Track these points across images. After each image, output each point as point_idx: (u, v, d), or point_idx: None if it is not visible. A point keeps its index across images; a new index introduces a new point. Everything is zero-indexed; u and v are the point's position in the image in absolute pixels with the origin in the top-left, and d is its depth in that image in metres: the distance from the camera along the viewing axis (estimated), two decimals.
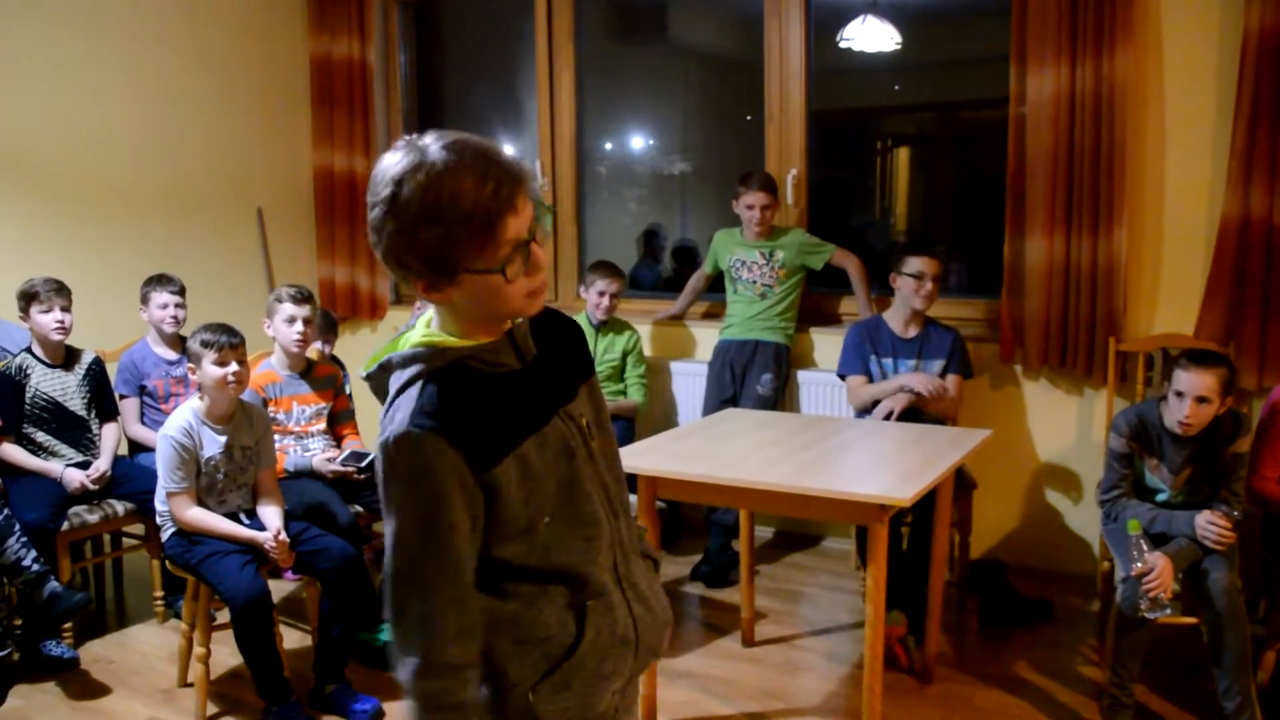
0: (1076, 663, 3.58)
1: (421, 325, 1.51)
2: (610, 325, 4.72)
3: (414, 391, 1.42)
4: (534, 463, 1.46)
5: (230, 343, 3.34)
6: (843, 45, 5.11)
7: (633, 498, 2.44)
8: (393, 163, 1.36)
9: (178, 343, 4.21)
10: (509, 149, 6.17)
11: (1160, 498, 3.26)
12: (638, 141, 6.20)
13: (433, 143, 1.36)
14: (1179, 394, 3.09)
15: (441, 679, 1.42)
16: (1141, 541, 3.00)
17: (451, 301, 1.43)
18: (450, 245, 1.34)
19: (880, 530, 2.82)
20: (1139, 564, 2.97)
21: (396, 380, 1.47)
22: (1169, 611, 2.95)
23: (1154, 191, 4.03)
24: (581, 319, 4.69)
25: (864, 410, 4.07)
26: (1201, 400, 3.05)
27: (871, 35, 5.14)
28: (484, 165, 1.35)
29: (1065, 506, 4.33)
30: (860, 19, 5.09)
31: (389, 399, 1.46)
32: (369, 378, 1.52)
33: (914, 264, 4.01)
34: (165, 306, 4.17)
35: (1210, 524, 3.05)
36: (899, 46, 5.12)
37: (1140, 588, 2.95)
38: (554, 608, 1.51)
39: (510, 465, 1.43)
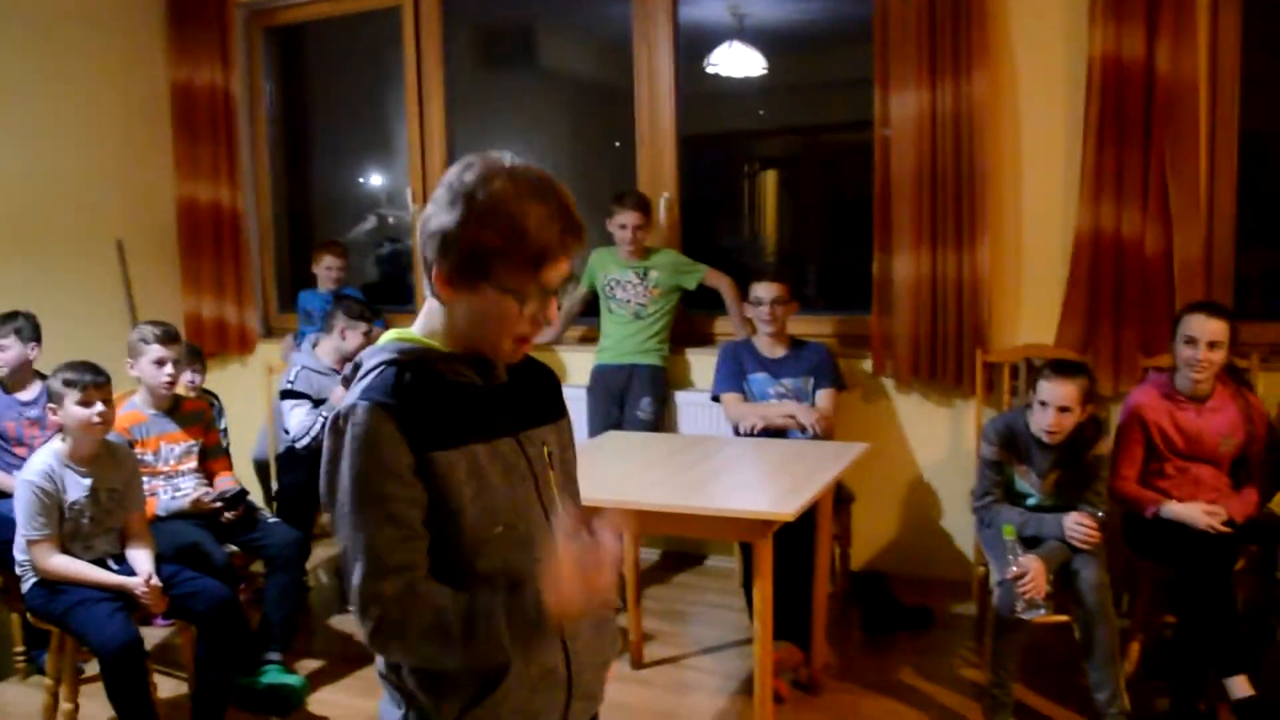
0: (957, 665, 3.68)
1: (398, 330, 1.55)
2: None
3: (374, 374, 1.47)
4: (484, 466, 1.47)
5: (95, 381, 3.21)
6: (709, 70, 5.22)
7: None
8: (489, 163, 1.44)
9: (28, 381, 4.02)
10: (377, 179, 6.12)
11: (1030, 502, 3.38)
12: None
13: (528, 167, 1.46)
14: (1043, 404, 3.23)
15: (383, 599, 1.40)
16: (1016, 546, 3.11)
17: (454, 308, 1.47)
18: (495, 254, 1.41)
19: (765, 546, 2.86)
20: (1014, 568, 3.07)
21: (364, 369, 1.51)
22: (1043, 611, 3.06)
23: (1013, 208, 4.20)
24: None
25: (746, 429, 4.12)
26: (1064, 409, 3.20)
27: (738, 61, 5.25)
28: (559, 209, 1.44)
29: (940, 515, 4.46)
30: (727, 44, 5.21)
31: (359, 369, 1.52)
32: (344, 380, 1.56)
33: (755, 290, 4.14)
34: (7, 349, 3.97)
35: (1078, 525, 3.18)
36: (765, 72, 5.25)
37: (1015, 590, 3.05)
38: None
39: (457, 458, 1.44)
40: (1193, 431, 3.37)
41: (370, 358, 1.52)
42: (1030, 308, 4.20)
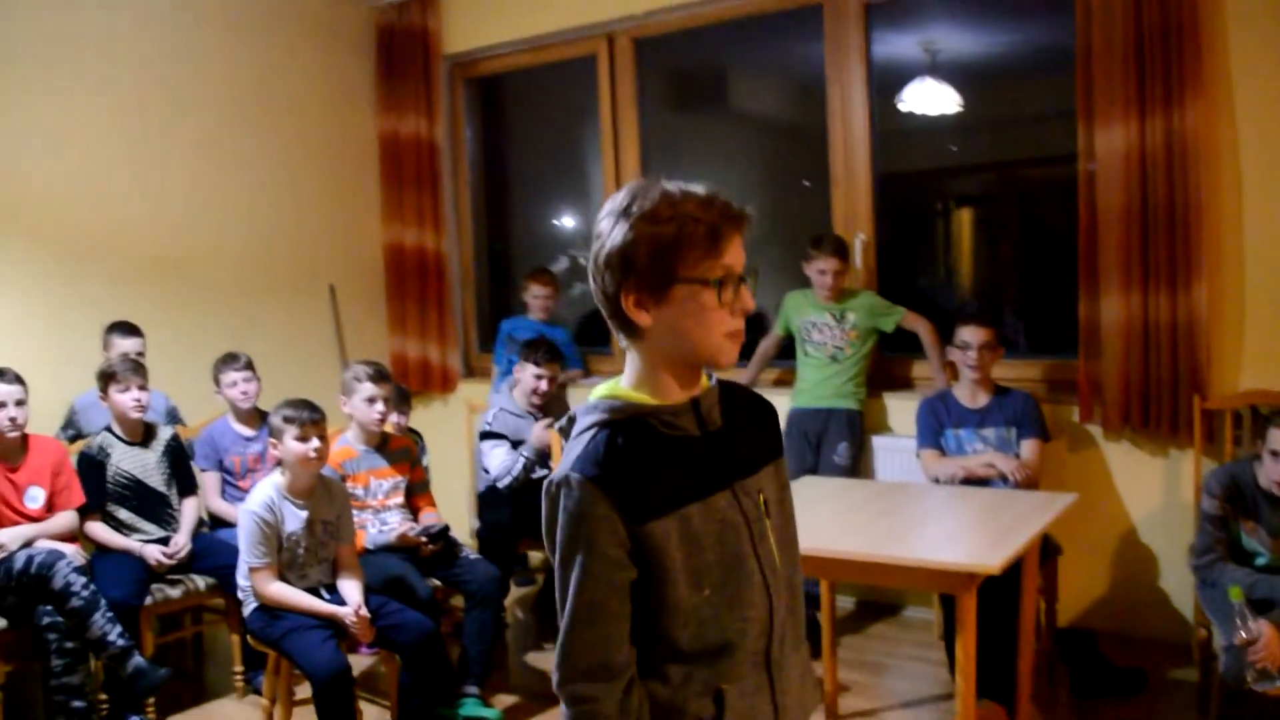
0: None
1: (609, 383, 1.54)
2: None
3: (586, 438, 1.46)
4: (696, 527, 1.45)
5: (312, 419, 3.38)
6: (901, 108, 5.14)
7: None
8: (632, 184, 1.47)
9: (253, 418, 4.28)
10: (571, 221, 6.26)
11: (1259, 561, 3.16)
12: None
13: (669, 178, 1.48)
14: (1274, 453, 3.01)
15: (593, 686, 1.42)
16: (1245, 609, 2.89)
17: (654, 332, 1.45)
18: (673, 248, 1.41)
19: (969, 599, 2.76)
20: (1243, 633, 2.86)
21: (578, 428, 1.50)
22: (1278, 683, 2.83)
23: (1234, 245, 3.95)
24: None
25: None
26: None
27: (931, 97, 5.16)
28: (712, 196, 1.45)
29: (1155, 571, 4.20)
30: (919, 81, 5.13)
31: (566, 445, 1.51)
32: (561, 430, 1.56)
33: (961, 334, 4.01)
34: (235, 384, 4.24)
35: None
36: (961, 108, 5.13)
37: (1246, 658, 2.84)
38: (694, 691, 1.47)
39: (671, 524, 1.43)
40: None
41: (584, 416, 1.50)
42: (1254, 351, 3.94)
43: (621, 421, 1.46)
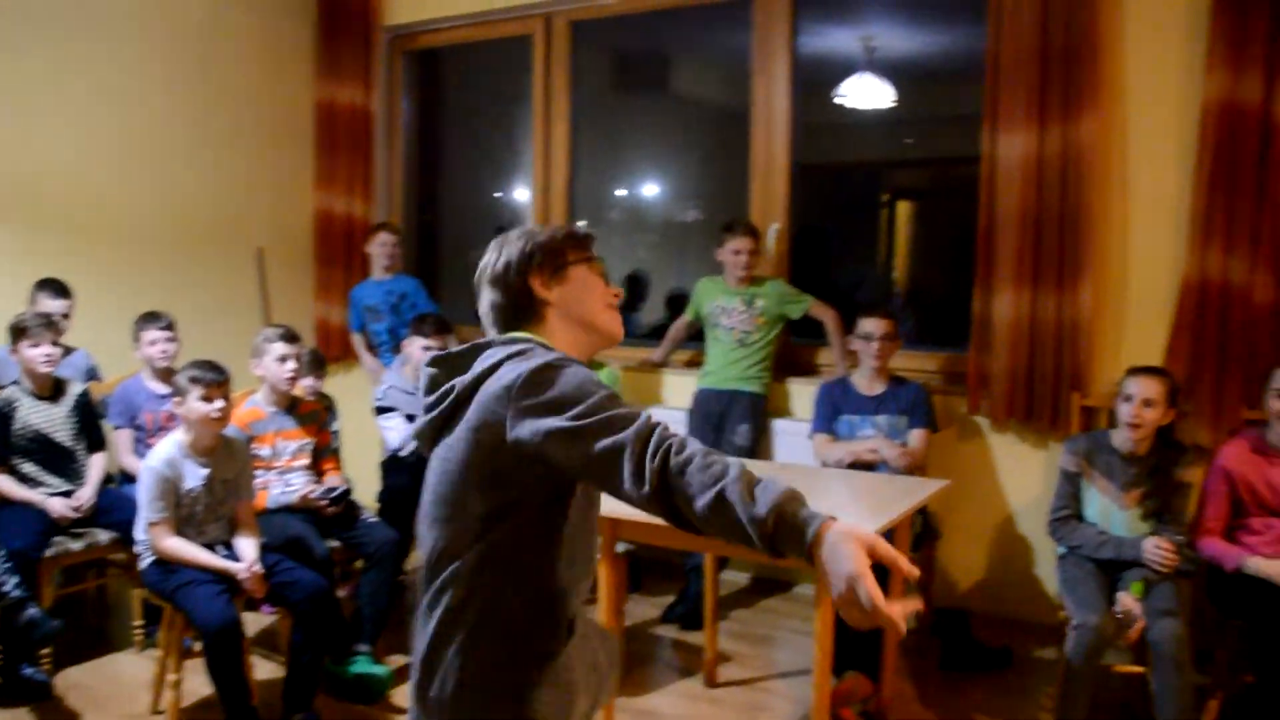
0: (1032, 709, 3.64)
1: (525, 334, 1.86)
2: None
3: (549, 350, 1.74)
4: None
5: (216, 379, 3.45)
6: (837, 101, 5.27)
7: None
8: (505, 240, 1.90)
9: (170, 377, 4.33)
10: (504, 197, 6.34)
11: (1115, 528, 3.42)
12: (644, 190, 6.37)
13: None
14: (1127, 398, 3.30)
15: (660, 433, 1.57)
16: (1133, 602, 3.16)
17: (555, 311, 1.84)
18: (556, 241, 1.87)
19: None
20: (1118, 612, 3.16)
21: (499, 349, 1.75)
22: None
23: (1118, 252, 4.13)
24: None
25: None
26: (1147, 403, 3.28)
27: (867, 92, 5.29)
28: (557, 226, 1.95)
29: (1030, 556, 4.40)
30: (856, 76, 5.26)
31: (496, 359, 1.71)
32: (442, 360, 1.81)
33: (863, 325, 4.17)
34: (155, 343, 4.29)
35: (1156, 548, 3.21)
36: (895, 104, 5.27)
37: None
38: (556, 612, 1.76)
39: None
40: None
41: (524, 344, 1.76)
42: (1131, 353, 4.11)
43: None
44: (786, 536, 1.44)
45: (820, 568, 1.41)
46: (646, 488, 1.51)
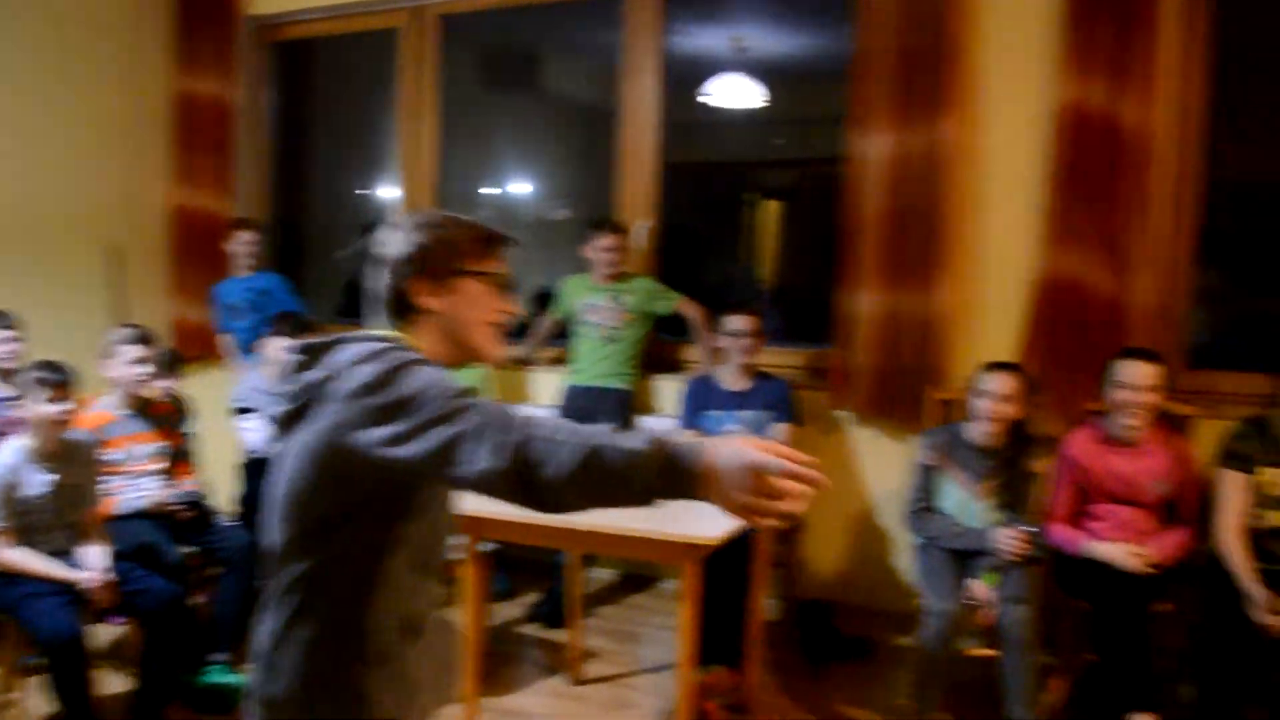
0: (893, 697, 3.73)
1: (383, 331, 1.74)
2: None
3: (389, 345, 1.62)
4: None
5: (61, 380, 3.32)
6: (703, 100, 5.31)
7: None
8: (410, 214, 1.78)
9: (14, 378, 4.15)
10: (370, 193, 6.24)
11: (971, 518, 3.53)
12: (514, 188, 6.34)
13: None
14: (984, 393, 3.44)
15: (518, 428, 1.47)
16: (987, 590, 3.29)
17: (432, 322, 1.72)
18: (458, 243, 1.72)
19: (691, 571, 2.93)
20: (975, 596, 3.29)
21: (358, 346, 1.63)
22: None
23: (975, 250, 4.26)
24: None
25: None
26: (1003, 399, 3.42)
27: (735, 91, 5.34)
28: (478, 220, 1.78)
29: (891, 547, 4.51)
30: (723, 75, 5.31)
31: (352, 357, 1.61)
32: (307, 349, 1.69)
33: (730, 322, 4.22)
34: None
35: (1009, 538, 3.33)
36: (766, 104, 5.33)
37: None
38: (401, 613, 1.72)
39: None
40: (1124, 475, 3.44)
41: (364, 342, 1.63)
42: (987, 348, 4.23)
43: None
44: (672, 461, 1.40)
45: (715, 483, 1.38)
46: (503, 463, 1.43)
